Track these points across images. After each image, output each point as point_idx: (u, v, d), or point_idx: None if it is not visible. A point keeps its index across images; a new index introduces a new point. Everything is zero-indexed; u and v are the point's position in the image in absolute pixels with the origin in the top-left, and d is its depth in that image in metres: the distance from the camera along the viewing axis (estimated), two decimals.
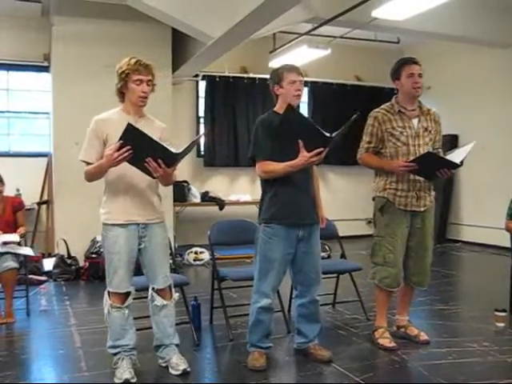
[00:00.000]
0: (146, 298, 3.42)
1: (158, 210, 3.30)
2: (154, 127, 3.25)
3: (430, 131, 3.75)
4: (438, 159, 3.61)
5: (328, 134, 3.13)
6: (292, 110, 3.12)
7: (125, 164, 3.00)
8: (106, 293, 3.25)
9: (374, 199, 3.82)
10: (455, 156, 3.59)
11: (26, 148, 7.68)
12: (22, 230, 4.76)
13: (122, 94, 3.23)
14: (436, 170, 3.56)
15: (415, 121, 3.72)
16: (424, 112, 3.78)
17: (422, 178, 3.66)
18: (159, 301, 3.30)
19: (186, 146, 3.03)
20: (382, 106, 3.79)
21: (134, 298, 3.31)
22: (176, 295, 3.46)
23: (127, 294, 3.23)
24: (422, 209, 3.70)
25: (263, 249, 3.38)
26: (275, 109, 3.47)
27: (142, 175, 3.07)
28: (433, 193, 3.80)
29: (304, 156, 3.16)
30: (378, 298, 3.85)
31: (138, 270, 3.32)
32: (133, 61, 3.16)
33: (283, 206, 3.34)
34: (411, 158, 3.57)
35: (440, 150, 3.83)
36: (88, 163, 3.13)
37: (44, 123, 7.66)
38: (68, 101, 6.63)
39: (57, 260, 6.29)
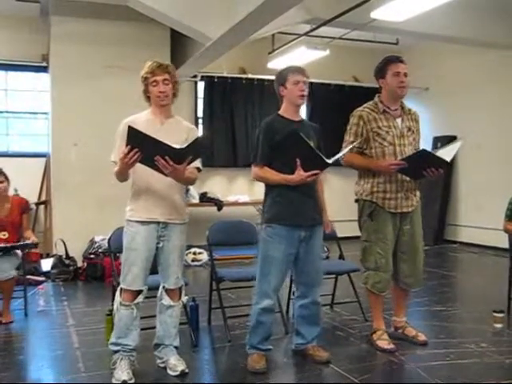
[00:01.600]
0: (151, 298, 3.43)
1: (180, 211, 3.32)
2: (180, 128, 3.33)
3: (413, 131, 3.75)
4: (432, 157, 3.59)
5: (328, 161, 3.19)
6: (296, 134, 3.15)
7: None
8: (118, 289, 3.28)
9: (357, 201, 3.78)
10: (443, 154, 3.57)
11: (25, 148, 7.68)
12: (34, 239, 4.68)
13: (148, 98, 3.31)
14: (423, 169, 3.54)
15: (399, 120, 3.71)
16: (406, 112, 3.77)
17: (408, 178, 3.65)
18: (167, 300, 3.34)
19: (188, 143, 3.06)
20: (366, 105, 3.75)
21: None
22: (185, 298, 3.48)
23: (139, 291, 3.25)
24: (411, 209, 3.70)
25: (265, 249, 3.39)
26: (280, 112, 3.48)
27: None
28: (418, 193, 3.79)
29: (301, 175, 3.21)
30: (371, 302, 3.85)
31: (151, 269, 3.33)
32: (148, 64, 3.25)
33: (285, 206, 3.35)
34: (399, 158, 3.56)
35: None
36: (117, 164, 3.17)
37: (42, 123, 7.66)
38: (66, 101, 6.63)
39: (55, 260, 6.29)
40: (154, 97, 3.24)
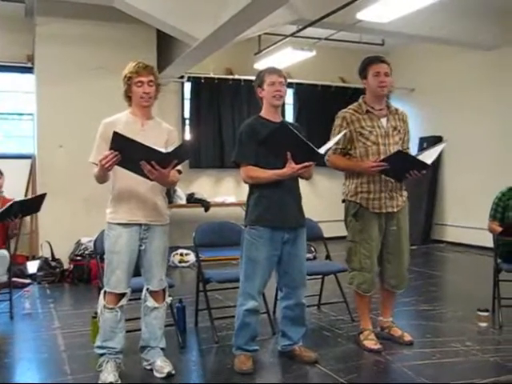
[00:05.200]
0: (136, 300, 3.42)
1: (162, 212, 3.31)
2: (160, 130, 3.33)
3: (399, 130, 3.75)
4: (408, 158, 3.61)
5: (319, 151, 3.17)
6: (285, 127, 3.15)
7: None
8: (102, 292, 3.27)
9: (343, 201, 3.80)
10: (426, 157, 3.58)
11: (10, 149, 7.61)
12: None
13: (128, 98, 3.30)
14: (406, 171, 3.54)
15: (384, 120, 3.71)
16: (392, 111, 3.78)
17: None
18: (151, 302, 3.33)
19: (174, 146, 3.06)
20: (350, 106, 3.77)
21: None
22: (169, 299, 3.47)
23: (122, 294, 3.24)
24: (396, 209, 3.70)
25: (248, 251, 3.39)
26: (261, 113, 3.49)
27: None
28: (405, 193, 3.80)
29: (292, 167, 3.19)
30: (358, 303, 3.86)
31: (134, 271, 3.32)
32: (133, 64, 3.24)
33: (268, 208, 3.35)
34: (382, 158, 3.56)
35: (409, 150, 3.85)
36: (97, 165, 3.14)
37: (28, 125, 7.60)
38: (52, 102, 6.59)
39: (41, 262, 6.24)
40: (138, 97, 3.23)
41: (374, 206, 3.65)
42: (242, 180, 3.48)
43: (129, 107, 3.34)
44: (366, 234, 3.66)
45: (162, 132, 3.32)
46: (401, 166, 3.54)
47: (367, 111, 3.69)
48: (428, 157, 3.57)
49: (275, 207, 3.34)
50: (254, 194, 3.42)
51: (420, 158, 3.60)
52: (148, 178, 3.05)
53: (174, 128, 3.48)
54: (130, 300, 3.35)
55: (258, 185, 3.38)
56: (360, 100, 3.76)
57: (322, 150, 3.20)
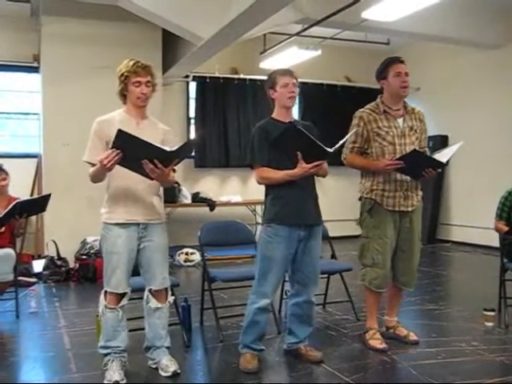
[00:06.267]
0: (139, 299, 3.42)
1: (159, 211, 3.31)
2: (156, 129, 3.31)
3: (416, 130, 3.75)
4: (424, 158, 3.62)
5: (328, 149, 3.18)
6: (293, 127, 3.16)
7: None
8: (102, 292, 3.26)
9: (360, 199, 3.82)
10: (442, 156, 3.60)
11: (16, 149, 7.64)
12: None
13: (123, 96, 3.27)
14: (422, 169, 3.56)
15: (400, 120, 3.71)
16: (409, 111, 3.78)
17: (408, 178, 3.66)
18: (154, 303, 3.31)
19: (179, 145, 3.05)
20: (367, 106, 3.78)
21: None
22: (171, 298, 3.45)
23: (123, 294, 3.23)
24: (410, 209, 3.70)
25: (264, 249, 3.38)
26: (273, 115, 3.50)
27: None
28: (420, 192, 3.80)
29: (303, 167, 3.20)
30: (367, 300, 3.85)
31: (133, 271, 3.32)
32: (131, 63, 3.19)
33: (285, 206, 3.35)
34: (397, 157, 3.56)
35: (426, 149, 3.84)
36: (93, 164, 3.12)
37: (34, 124, 7.63)
38: (58, 102, 6.61)
39: (46, 261, 6.26)
40: (134, 98, 3.20)
41: (388, 203, 3.65)
42: (247, 179, 3.50)
43: (123, 105, 3.30)
44: (379, 230, 3.67)
45: (158, 132, 3.30)
46: (416, 164, 3.55)
47: (384, 111, 3.70)
48: (444, 156, 3.59)
49: (292, 205, 3.34)
50: (270, 194, 3.43)
51: (435, 156, 3.61)
52: (148, 176, 3.03)
53: (169, 128, 3.45)
54: (132, 299, 3.35)
55: (274, 185, 3.39)
56: (377, 100, 3.77)
57: (332, 149, 3.21)
